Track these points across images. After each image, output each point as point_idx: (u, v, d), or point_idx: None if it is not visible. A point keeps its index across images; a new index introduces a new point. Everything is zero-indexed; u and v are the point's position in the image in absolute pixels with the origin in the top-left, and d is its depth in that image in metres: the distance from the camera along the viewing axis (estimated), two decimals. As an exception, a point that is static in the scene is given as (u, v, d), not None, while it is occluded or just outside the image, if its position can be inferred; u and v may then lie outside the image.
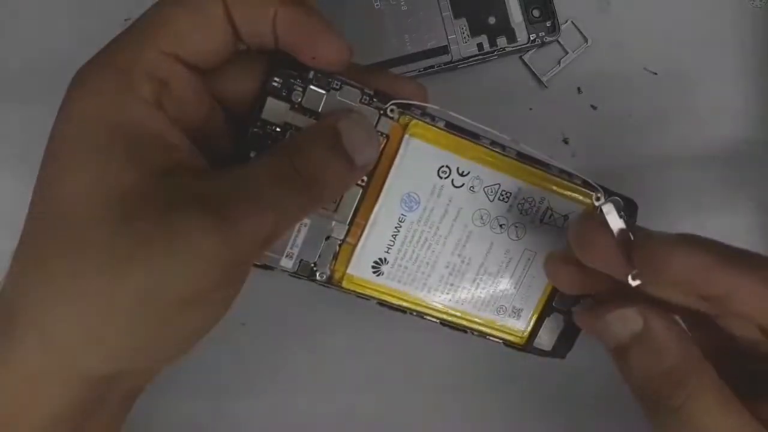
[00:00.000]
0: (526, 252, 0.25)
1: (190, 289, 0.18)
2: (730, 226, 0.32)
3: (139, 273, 0.18)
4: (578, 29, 0.32)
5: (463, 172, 0.24)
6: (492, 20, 0.31)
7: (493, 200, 0.24)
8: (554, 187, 0.25)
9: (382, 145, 0.23)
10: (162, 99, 0.20)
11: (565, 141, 0.32)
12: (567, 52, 0.32)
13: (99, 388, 0.20)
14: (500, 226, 0.25)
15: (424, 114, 0.23)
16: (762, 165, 0.32)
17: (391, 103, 0.22)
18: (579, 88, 0.32)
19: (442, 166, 0.24)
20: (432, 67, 0.31)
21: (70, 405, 0.19)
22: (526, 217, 0.25)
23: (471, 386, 0.33)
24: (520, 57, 0.32)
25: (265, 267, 0.24)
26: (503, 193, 0.24)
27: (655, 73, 0.32)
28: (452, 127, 0.23)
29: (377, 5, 0.31)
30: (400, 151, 0.23)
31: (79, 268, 0.18)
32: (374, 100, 0.22)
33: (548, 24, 0.31)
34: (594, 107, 0.32)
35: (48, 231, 0.19)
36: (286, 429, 0.32)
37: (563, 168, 0.24)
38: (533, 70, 0.32)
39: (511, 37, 0.31)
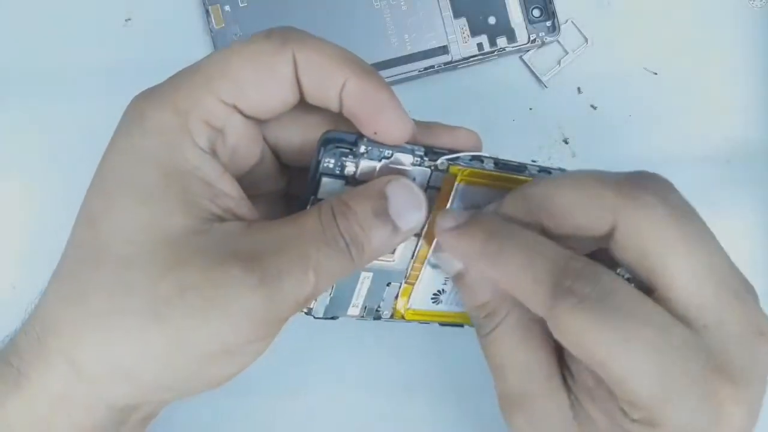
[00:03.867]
0: None
1: (226, 341, 0.19)
2: (730, 226, 0.32)
3: (178, 320, 0.18)
4: (578, 29, 0.32)
5: None
6: (492, 20, 0.31)
7: None
8: None
9: (435, 198, 0.23)
10: (216, 146, 0.20)
11: (565, 141, 0.32)
12: (567, 52, 0.32)
13: (121, 416, 0.20)
14: None
15: (474, 159, 0.23)
16: (762, 165, 0.32)
17: (441, 159, 0.22)
18: (579, 88, 0.32)
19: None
20: (432, 67, 0.31)
21: (91, 429, 0.20)
22: None
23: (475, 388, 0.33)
24: (520, 57, 0.32)
25: (332, 318, 0.25)
26: None
27: (655, 73, 0.32)
28: (499, 165, 0.23)
29: (377, 5, 0.31)
30: (451, 197, 0.23)
31: (119, 305, 0.19)
32: (425, 159, 0.22)
33: (548, 24, 0.31)
34: (594, 107, 0.32)
35: (91, 264, 0.19)
36: (286, 429, 0.32)
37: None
38: (533, 70, 0.32)
39: (511, 37, 0.31)
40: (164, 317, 0.18)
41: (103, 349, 0.19)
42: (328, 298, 0.24)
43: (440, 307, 0.26)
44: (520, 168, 0.24)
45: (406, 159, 0.22)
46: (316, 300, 0.24)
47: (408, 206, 0.21)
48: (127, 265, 0.19)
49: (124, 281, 0.19)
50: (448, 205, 0.23)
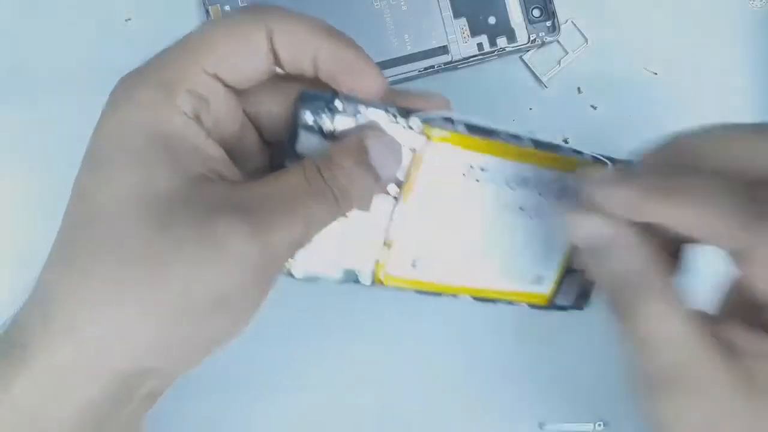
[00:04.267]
0: (545, 227, 0.27)
1: (224, 290, 0.20)
2: (730, 226, 0.32)
3: (176, 275, 0.19)
4: (578, 29, 0.32)
5: (484, 167, 0.26)
6: (492, 20, 0.31)
7: (514, 188, 0.26)
8: (567, 167, 0.27)
9: (409, 156, 0.24)
10: (200, 114, 0.21)
11: (565, 141, 0.32)
12: (567, 52, 0.32)
13: (125, 385, 0.20)
14: (520, 209, 0.27)
15: (445, 120, 0.24)
16: (762, 165, 0.32)
17: (412, 116, 0.24)
18: (579, 88, 0.32)
19: (465, 165, 0.25)
20: (432, 67, 0.31)
21: (97, 399, 0.20)
22: (543, 198, 0.27)
23: (477, 385, 0.33)
24: (520, 57, 0.32)
25: (311, 279, 0.25)
26: (522, 179, 0.26)
27: (655, 73, 0.32)
28: (471, 128, 0.25)
29: (377, 5, 0.31)
30: (425, 157, 0.25)
31: (116, 268, 0.19)
32: (397, 117, 0.24)
33: (548, 24, 0.31)
34: (594, 107, 0.32)
35: (86, 231, 0.20)
36: (289, 429, 0.32)
37: (574, 149, 0.26)
38: (533, 70, 0.32)
39: (511, 37, 0.31)
40: (160, 275, 0.19)
41: (101, 311, 0.19)
42: (306, 257, 0.24)
43: (418, 275, 0.26)
44: (491, 132, 0.25)
45: (380, 116, 0.23)
46: (296, 260, 0.24)
47: (387, 155, 0.23)
48: (120, 228, 0.19)
49: (118, 244, 0.19)
50: (424, 165, 0.24)
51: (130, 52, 0.32)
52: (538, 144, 0.26)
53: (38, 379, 0.20)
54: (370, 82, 0.23)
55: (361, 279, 0.25)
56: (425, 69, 0.31)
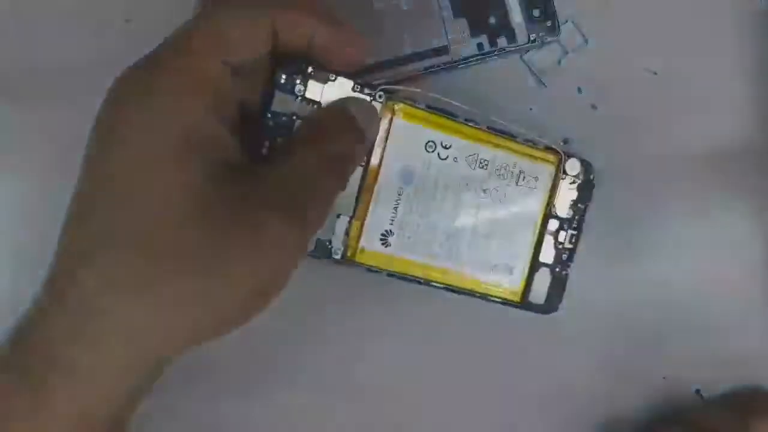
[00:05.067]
0: (509, 213, 0.28)
1: (268, 276, 0.21)
2: (730, 227, 0.32)
3: (227, 268, 0.20)
4: (578, 29, 0.32)
5: (446, 145, 0.27)
6: (492, 20, 0.31)
7: (474, 168, 0.28)
8: (523, 153, 0.28)
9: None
10: (218, 103, 0.22)
11: (565, 141, 0.32)
12: (567, 52, 0.32)
13: (160, 367, 0.22)
14: (483, 191, 0.28)
15: (408, 97, 0.27)
16: (762, 165, 0.32)
17: (379, 89, 0.26)
18: (579, 88, 0.32)
19: (428, 142, 0.27)
20: (432, 67, 0.31)
21: (138, 383, 0.21)
22: (504, 181, 0.28)
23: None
24: (521, 57, 0.32)
25: None
26: (482, 161, 0.28)
27: (655, 73, 0.32)
28: (432, 108, 0.27)
29: (377, 5, 0.31)
30: (391, 131, 0.27)
31: (165, 267, 0.20)
32: (363, 88, 0.26)
33: (548, 24, 0.31)
34: (594, 107, 0.32)
35: (121, 222, 0.20)
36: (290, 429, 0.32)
37: (527, 136, 0.28)
38: (533, 70, 0.32)
39: (511, 38, 0.31)
40: (208, 266, 0.20)
41: (148, 304, 0.20)
42: None
43: (389, 251, 0.27)
44: (451, 113, 0.27)
45: (347, 85, 0.26)
46: None
47: (370, 119, 0.25)
48: (164, 225, 0.20)
49: (164, 243, 0.20)
50: (389, 138, 0.27)
51: (130, 52, 0.32)
52: (493, 129, 0.28)
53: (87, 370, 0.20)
54: (357, 56, 0.25)
55: (333, 252, 0.27)
56: (425, 69, 0.31)
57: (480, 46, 0.31)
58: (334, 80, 0.26)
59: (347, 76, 0.26)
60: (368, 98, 0.26)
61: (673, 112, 0.32)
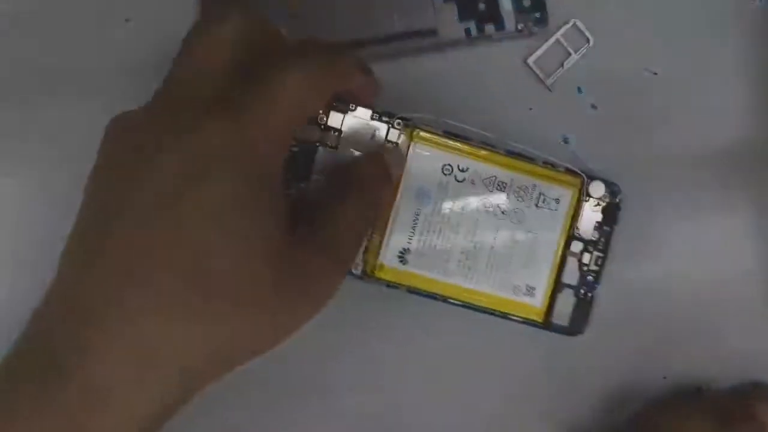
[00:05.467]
0: (528, 234, 0.29)
1: (313, 314, 0.23)
2: (729, 227, 0.32)
3: (283, 305, 0.22)
4: (581, 30, 0.32)
5: (462, 168, 0.28)
6: (482, 6, 0.31)
7: (492, 191, 0.28)
8: (542, 176, 0.29)
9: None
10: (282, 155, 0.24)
11: (565, 141, 0.32)
12: (570, 54, 0.32)
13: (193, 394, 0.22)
14: (502, 212, 0.28)
15: (425, 123, 0.28)
16: (762, 165, 0.32)
17: (396, 117, 0.28)
18: (579, 88, 0.32)
19: (445, 165, 0.28)
20: (418, 47, 0.31)
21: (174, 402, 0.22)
22: (523, 203, 0.29)
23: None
24: (524, 61, 0.32)
25: None
26: (499, 183, 0.28)
27: (655, 73, 0.32)
28: (449, 132, 0.28)
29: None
30: (409, 154, 0.28)
31: (225, 300, 0.21)
32: (381, 116, 0.28)
33: (537, 15, 0.31)
34: (594, 107, 0.32)
35: (186, 256, 0.21)
36: None
37: (546, 159, 0.29)
38: (537, 74, 0.32)
39: (499, 25, 0.31)
40: (274, 305, 0.22)
41: (195, 333, 0.21)
42: None
43: (408, 268, 0.28)
44: (468, 138, 0.28)
45: (366, 113, 0.28)
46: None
47: (399, 162, 0.28)
48: (239, 280, 0.21)
49: (242, 298, 0.21)
50: (408, 162, 0.28)
51: (130, 52, 0.32)
52: (511, 153, 0.28)
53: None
54: (376, 95, 0.28)
55: (353, 268, 0.28)
56: (411, 49, 0.31)
57: (467, 31, 0.31)
58: (354, 110, 0.28)
59: (365, 106, 0.28)
60: (386, 125, 0.28)
61: (672, 112, 0.32)
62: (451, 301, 0.29)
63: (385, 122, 0.28)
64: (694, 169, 0.32)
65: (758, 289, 0.32)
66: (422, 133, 0.28)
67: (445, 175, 0.28)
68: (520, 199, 0.28)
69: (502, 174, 0.28)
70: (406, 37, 0.31)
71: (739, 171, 0.32)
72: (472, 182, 0.28)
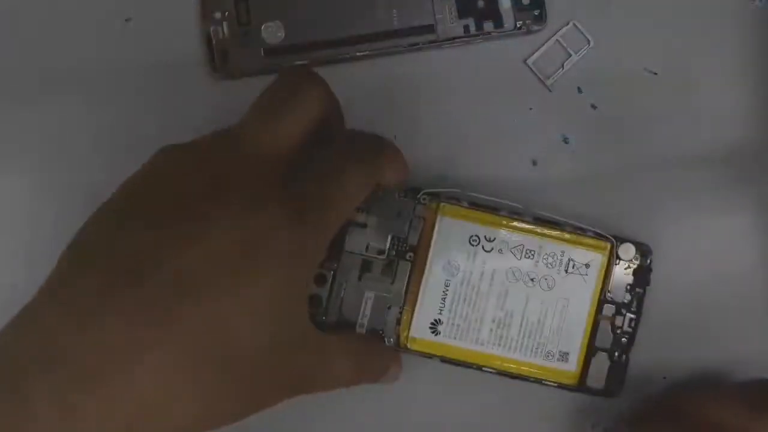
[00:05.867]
0: (559, 300, 0.29)
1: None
2: (729, 226, 0.32)
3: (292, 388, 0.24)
4: (581, 31, 0.32)
5: (489, 238, 0.29)
6: (481, 4, 0.31)
7: (521, 258, 0.29)
8: (570, 241, 0.29)
9: (421, 226, 0.29)
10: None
11: (565, 141, 0.32)
12: (570, 54, 0.32)
13: None
14: (531, 280, 0.29)
15: (451, 197, 0.29)
16: (762, 165, 0.32)
17: (422, 192, 0.28)
18: (579, 88, 0.32)
19: (472, 236, 0.29)
20: (417, 44, 0.31)
21: None
22: (553, 269, 0.29)
23: None
24: (524, 62, 0.32)
25: None
26: (528, 251, 0.29)
27: (655, 73, 0.32)
28: (475, 204, 0.29)
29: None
30: (436, 228, 0.28)
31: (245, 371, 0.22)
32: (407, 193, 0.28)
33: (536, 13, 0.31)
34: (594, 107, 0.32)
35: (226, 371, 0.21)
36: None
37: (574, 224, 0.29)
38: (538, 75, 0.32)
39: (498, 23, 0.31)
40: (278, 383, 0.23)
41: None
42: (337, 315, 0.28)
43: (439, 339, 0.29)
44: (494, 208, 0.29)
45: (393, 192, 0.28)
46: (326, 316, 0.28)
47: (398, 168, 0.27)
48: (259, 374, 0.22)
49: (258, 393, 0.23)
50: (435, 235, 0.28)
51: (130, 52, 0.32)
52: (539, 220, 0.29)
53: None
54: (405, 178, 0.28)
55: (386, 341, 0.28)
56: (410, 45, 0.31)
57: (466, 28, 0.31)
58: (382, 192, 0.28)
59: (395, 188, 0.28)
60: (413, 202, 0.28)
61: (673, 113, 0.32)
62: (486, 369, 0.29)
63: (413, 198, 0.28)
64: (694, 169, 0.32)
65: (758, 289, 0.32)
66: (447, 206, 0.28)
67: (473, 245, 0.28)
68: (549, 265, 0.29)
69: (530, 241, 0.29)
70: (405, 34, 0.31)
71: (739, 171, 0.32)
72: (500, 251, 0.28)
